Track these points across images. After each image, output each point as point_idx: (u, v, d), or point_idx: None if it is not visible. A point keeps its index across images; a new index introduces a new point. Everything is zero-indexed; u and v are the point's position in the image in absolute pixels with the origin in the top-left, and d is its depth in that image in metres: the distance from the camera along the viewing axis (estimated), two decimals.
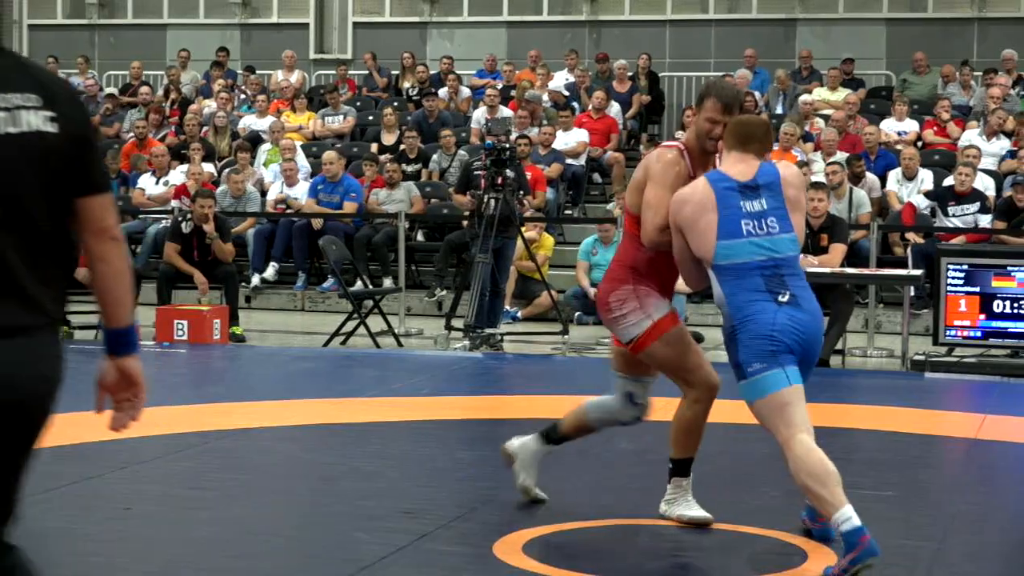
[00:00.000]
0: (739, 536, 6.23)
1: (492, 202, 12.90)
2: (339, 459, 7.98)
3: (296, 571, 5.68)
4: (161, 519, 6.49)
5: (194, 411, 9.45)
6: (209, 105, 20.93)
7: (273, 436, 8.73)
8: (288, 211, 17.02)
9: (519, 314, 15.23)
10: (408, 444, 8.46)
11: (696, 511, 6.26)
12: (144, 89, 21.61)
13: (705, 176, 5.91)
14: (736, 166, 5.89)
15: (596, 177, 19.06)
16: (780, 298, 5.70)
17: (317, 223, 16.26)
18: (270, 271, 16.66)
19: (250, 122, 20.13)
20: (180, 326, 13.05)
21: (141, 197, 17.78)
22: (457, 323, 13.23)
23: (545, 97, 19.99)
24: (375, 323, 13.67)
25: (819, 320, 5.86)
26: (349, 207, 16.60)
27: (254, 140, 19.35)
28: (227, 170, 17.61)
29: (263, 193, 17.75)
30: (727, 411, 9.68)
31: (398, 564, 5.72)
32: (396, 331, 13.83)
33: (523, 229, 13.94)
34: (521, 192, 13.82)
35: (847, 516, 5.40)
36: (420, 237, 17.31)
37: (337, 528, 6.31)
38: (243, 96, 21.50)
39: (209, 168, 18.22)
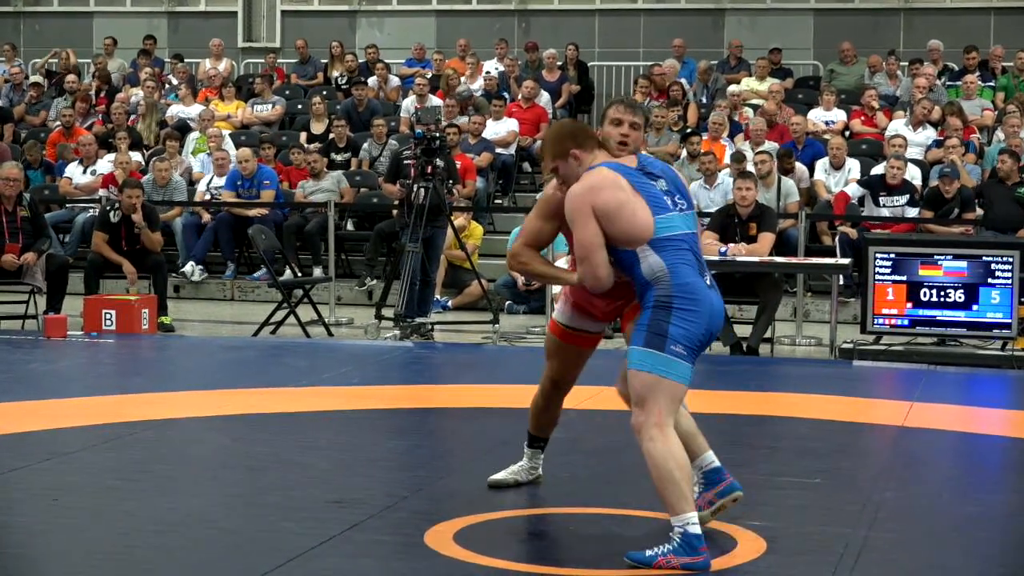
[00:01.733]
0: (669, 524, 6.23)
1: (422, 191, 12.87)
2: (268, 449, 7.93)
3: (225, 562, 5.64)
4: (88, 510, 6.44)
5: (122, 401, 9.37)
6: (136, 93, 20.76)
7: (202, 426, 8.67)
8: (214, 201, 16.90)
9: (449, 303, 15.22)
10: (338, 433, 8.42)
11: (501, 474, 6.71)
12: (71, 77, 21.39)
13: (600, 166, 5.79)
14: (614, 158, 5.90)
15: (526, 166, 19.07)
16: (707, 280, 5.71)
17: (254, 212, 16.18)
18: (196, 272, 16.48)
19: (178, 111, 19.99)
20: (108, 316, 12.94)
21: (68, 186, 17.63)
22: (387, 312, 13.20)
23: (478, 85, 19.98)
24: (305, 312, 13.61)
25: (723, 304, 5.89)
26: (267, 195, 16.53)
27: (182, 129, 19.22)
28: (154, 159, 17.47)
29: (191, 182, 17.65)
30: None
31: (328, 554, 5.70)
32: (326, 320, 13.77)
33: (453, 218, 13.92)
34: (451, 181, 13.80)
35: (696, 520, 5.51)
36: (350, 226, 17.27)
37: (266, 518, 6.27)
38: (170, 84, 21.34)
39: (136, 157, 18.08)
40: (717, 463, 6.03)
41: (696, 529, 5.46)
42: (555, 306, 6.35)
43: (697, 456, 5.99)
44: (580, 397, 9.17)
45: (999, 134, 16.88)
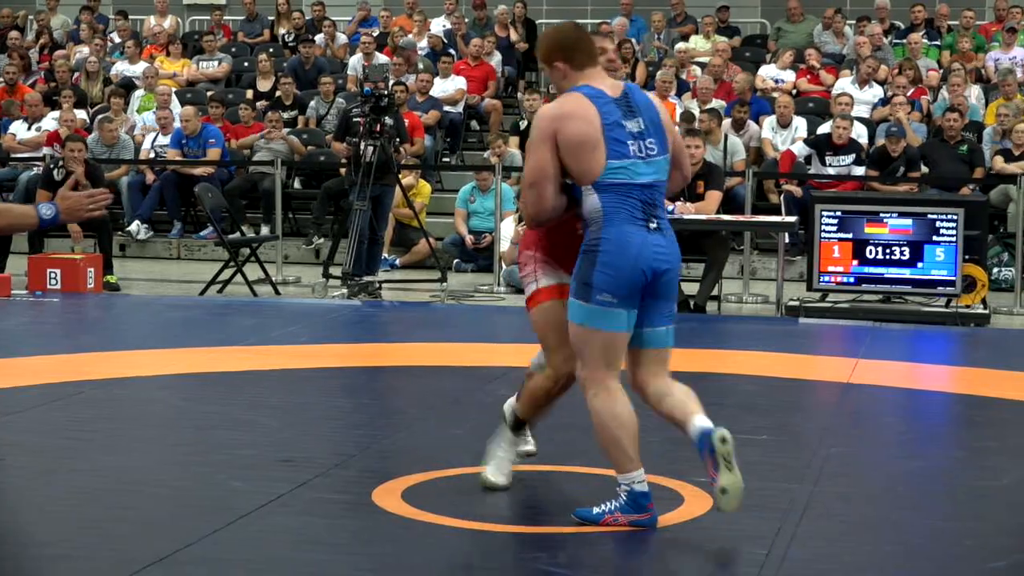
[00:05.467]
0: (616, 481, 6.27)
1: (370, 149, 12.84)
2: (216, 408, 7.93)
3: (175, 520, 5.64)
4: (36, 470, 6.43)
5: (68, 361, 9.34)
6: (80, 51, 20.59)
7: (149, 385, 8.66)
8: (158, 160, 16.80)
9: (397, 262, 15.21)
10: (286, 393, 8.43)
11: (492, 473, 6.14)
12: (13, 34, 21.19)
13: (580, 92, 5.57)
14: (604, 81, 5.65)
15: (474, 124, 19.03)
16: (651, 224, 5.51)
17: (200, 171, 16.11)
18: (142, 231, 16.39)
19: (123, 68, 19.84)
20: (53, 275, 12.87)
21: (12, 142, 17.49)
22: (335, 271, 13.18)
23: (423, 44, 19.91)
24: (252, 271, 13.58)
25: (678, 250, 5.63)
26: (213, 154, 16.45)
27: (127, 86, 19.08)
28: (99, 117, 17.34)
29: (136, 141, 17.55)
30: None
31: (277, 513, 5.71)
32: (273, 279, 13.74)
33: (401, 176, 13.90)
34: (399, 139, 13.77)
35: (643, 478, 5.52)
36: (297, 185, 17.21)
37: (215, 477, 6.28)
38: (113, 43, 21.16)
39: (81, 115, 17.95)
40: (700, 430, 5.56)
41: (642, 487, 5.48)
42: (524, 272, 5.93)
43: (686, 423, 5.65)
44: (530, 355, 9.20)
45: (944, 93, 16.97)
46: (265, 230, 15.84)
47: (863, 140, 15.74)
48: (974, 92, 17.21)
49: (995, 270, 14.01)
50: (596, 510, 5.52)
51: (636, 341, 5.60)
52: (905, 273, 12.06)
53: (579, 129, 5.48)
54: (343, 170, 14.25)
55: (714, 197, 12.49)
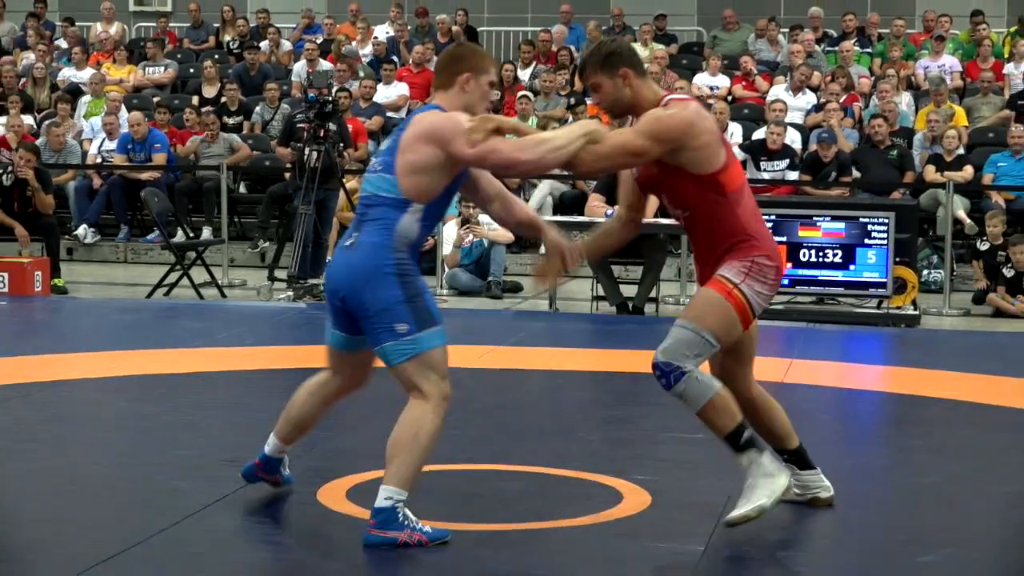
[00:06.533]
0: (558, 479, 6.28)
1: (314, 154, 12.82)
2: (162, 409, 7.88)
3: (122, 520, 5.60)
4: None
5: (15, 363, 9.25)
6: (27, 57, 20.43)
7: (96, 387, 8.59)
8: (105, 165, 16.69)
9: None
10: (231, 393, 8.38)
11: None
12: None
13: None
14: (445, 101, 5.47)
15: None
16: (345, 242, 5.41)
17: (146, 176, 16.01)
18: (89, 234, 16.28)
19: (70, 74, 19.71)
20: (1, 278, 12.77)
21: None
22: (280, 274, 13.14)
23: (368, 51, 19.87)
24: (198, 274, 13.51)
25: (344, 266, 5.36)
26: (159, 159, 16.36)
27: (74, 92, 18.95)
28: (47, 123, 17.22)
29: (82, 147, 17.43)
30: (551, 359, 9.76)
31: (222, 512, 5.68)
32: (219, 282, 13.68)
33: (345, 181, 13.86)
34: (343, 144, 13.74)
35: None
36: (243, 189, 17.14)
37: (160, 478, 6.23)
38: (59, 50, 21.01)
39: (28, 120, 17.81)
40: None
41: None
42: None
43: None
44: (471, 356, 9.20)
45: (875, 99, 17.08)
46: (207, 232, 15.74)
47: (797, 146, 15.82)
48: (904, 99, 17.33)
49: (925, 272, 14.11)
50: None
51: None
52: (838, 275, 12.13)
53: None
54: (288, 174, 14.20)
55: (652, 201, 12.48)
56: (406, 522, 5.24)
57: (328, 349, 5.65)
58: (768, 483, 5.37)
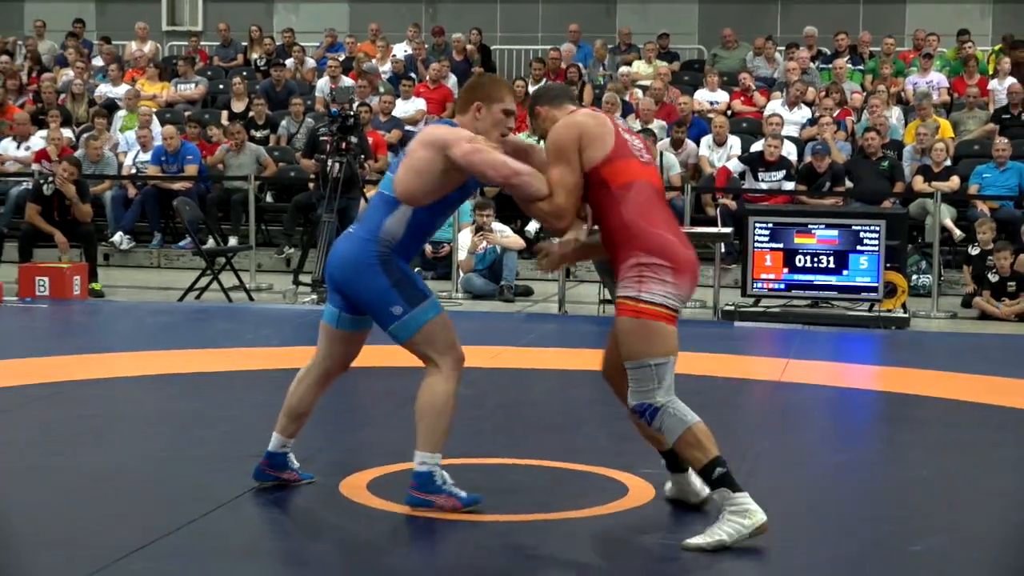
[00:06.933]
0: (566, 472, 6.29)
1: (337, 165, 12.83)
2: (193, 406, 7.89)
3: (157, 510, 5.62)
4: (19, 467, 6.37)
5: (56, 362, 9.27)
6: (66, 74, 20.48)
7: (132, 385, 8.61)
8: (140, 176, 16.72)
9: None
10: (258, 391, 8.39)
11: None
12: (3, 58, 21.05)
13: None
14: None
15: None
16: (348, 231, 5.66)
17: (179, 186, 16.02)
18: (124, 241, 16.31)
19: (106, 90, 19.75)
20: (42, 283, 12.80)
21: (1, 159, 17.37)
22: (305, 278, 13.15)
23: (387, 67, 19.89)
24: (227, 279, 13.53)
25: (338, 257, 5.59)
26: (190, 170, 16.39)
27: (110, 107, 18.99)
28: (85, 136, 17.25)
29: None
30: (560, 359, 9.77)
31: (252, 503, 5.70)
32: (247, 286, 13.69)
33: (365, 190, 13.87)
34: (363, 156, 13.74)
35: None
36: (269, 198, 17.16)
37: (193, 471, 6.25)
38: (98, 66, 21.05)
39: (67, 133, 17.84)
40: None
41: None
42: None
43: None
44: (485, 356, 9.21)
45: (866, 114, 17.07)
46: (234, 240, 15.76)
47: (792, 157, 15.81)
48: (895, 113, 17.31)
49: (914, 277, 14.10)
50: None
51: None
52: (831, 280, 12.13)
53: None
54: (312, 185, 14.21)
55: None
56: (443, 485, 5.47)
57: (322, 326, 5.75)
58: (736, 520, 5.17)
